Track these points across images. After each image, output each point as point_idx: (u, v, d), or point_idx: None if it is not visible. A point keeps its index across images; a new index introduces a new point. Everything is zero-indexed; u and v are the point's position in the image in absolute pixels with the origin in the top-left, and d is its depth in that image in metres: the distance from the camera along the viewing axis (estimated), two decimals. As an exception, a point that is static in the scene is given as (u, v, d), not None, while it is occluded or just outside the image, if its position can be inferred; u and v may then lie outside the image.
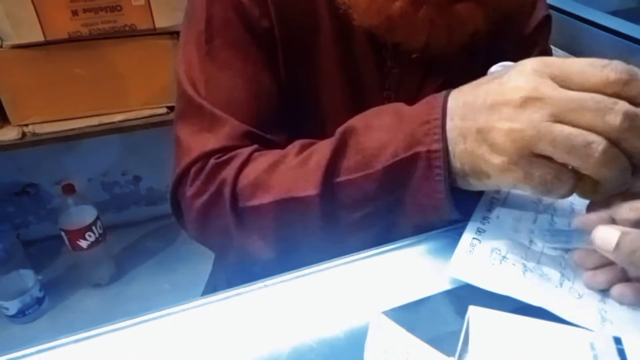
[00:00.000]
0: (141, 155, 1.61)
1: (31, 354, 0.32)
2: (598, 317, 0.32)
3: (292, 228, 0.44)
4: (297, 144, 0.47)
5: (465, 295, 0.34)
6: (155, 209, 1.71)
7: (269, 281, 0.37)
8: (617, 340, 0.25)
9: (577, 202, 0.42)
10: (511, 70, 0.35)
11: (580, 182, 0.33)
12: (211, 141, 0.49)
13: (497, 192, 0.43)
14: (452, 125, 0.37)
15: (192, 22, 0.53)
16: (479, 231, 0.38)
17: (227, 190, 0.46)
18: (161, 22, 1.17)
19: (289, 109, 0.54)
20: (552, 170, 0.32)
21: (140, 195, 1.70)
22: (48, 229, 1.60)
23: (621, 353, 0.25)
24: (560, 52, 0.92)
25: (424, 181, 0.38)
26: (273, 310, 0.35)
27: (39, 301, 1.40)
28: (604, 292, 0.34)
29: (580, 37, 0.91)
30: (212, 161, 0.48)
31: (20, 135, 1.20)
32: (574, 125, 0.31)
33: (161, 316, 0.35)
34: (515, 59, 0.60)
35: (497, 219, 0.40)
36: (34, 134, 1.21)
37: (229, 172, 0.46)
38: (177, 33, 1.20)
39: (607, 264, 0.34)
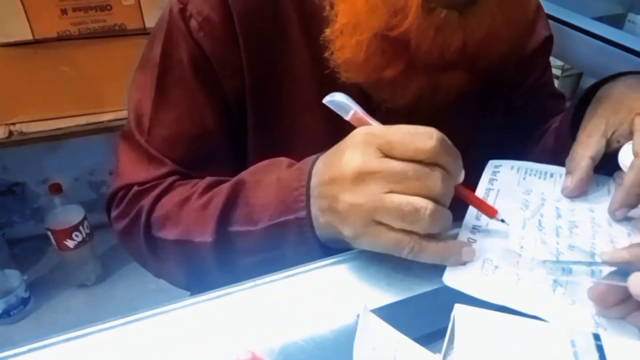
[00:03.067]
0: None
1: (16, 354, 0.32)
2: (592, 322, 0.33)
3: (193, 265, 0.48)
4: (205, 182, 0.49)
5: (452, 293, 0.35)
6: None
7: (259, 280, 0.38)
8: (596, 337, 0.26)
9: (563, 207, 0.43)
10: (346, 142, 0.39)
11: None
12: (142, 175, 0.52)
13: (485, 199, 0.43)
14: (312, 199, 0.40)
15: (151, 48, 0.53)
16: (470, 241, 0.39)
17: (143, 217, 0.49)
18: (151, 22, 1.16)
19: (260, 149, 0.55)
20: (393, 237, 0.36)
21: (128, 195, 1.69)
22: (33, 229, 1.59)
23: (600, 349, 0.25)
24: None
25: (299, 243, 0.42)
26: (263, 309, 0.35)
27: (24, 301, 1.38)
28: None
29: (567, 42, 0.93)
30: (135, 188, 0.51)
31: (6, 134, 1.20)
32: (404, 194, 0.35)
33: (149, 316, 0.35)
34: (515, 81, 0.61)
35: (487, 226, 0.40)
36: (20, 133, 1.21)
37: (147, 201, 0.50)
38: (167, 33, 1.20)
39: (627, 298, 0.33)
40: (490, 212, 0.40)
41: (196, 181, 0.50)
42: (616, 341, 0.26)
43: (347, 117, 0.41)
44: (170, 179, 0.51)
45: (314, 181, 0.40)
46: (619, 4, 1.12)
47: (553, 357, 0.26)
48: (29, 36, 1.11)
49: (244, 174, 0.47)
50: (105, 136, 1.38)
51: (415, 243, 0.36)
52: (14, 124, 1.21)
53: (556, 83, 1.15)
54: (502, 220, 0.39)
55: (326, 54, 0.48)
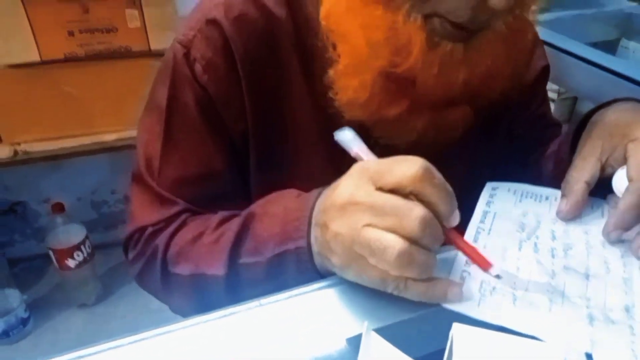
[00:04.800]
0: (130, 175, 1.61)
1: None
2: (587, 342, 0.33)
3: (204, 296, 0.49)
4: (217, 217, 0.50)
5: (451, 313, 0.35)
6: (143, 228, 1.71)
7: (263, 300, 0.38)
8: (589, 356, 0.27)
9: (558, 229, 0.44)
10: (345, 175, 0.38)
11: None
12: (154, 216, 0.53)
13: (482, 221, 0.45)
14: (312, 227, 0.41)
15: (157, 93, 0.54)
16: (468, 263, 0.40)
17: (159, 256, 0.51)
18: (156, 44, 1.19)
19: (264, 186, 0.54)
20: (378, 272, 0.35)
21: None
22: (34, 248, 1.59)
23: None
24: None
25: (300, 273, 0.42)
26: (266, 329, 0.36)
27: (24, 322, 1.38)
28: (592, 317, 0.35)
29: (563, 67, 0.95)
30: (149, 229, 0.53)
31: (12, 154, 1.21)
32: (380, 228, 0.34)
33: (150, 337, 0.35)
34: (515, 112, 0.62)
35: (484, 249, 0.41)
36: (25, 152, 1.22)
37: (161, 240, 0.51)
38: (171, 55, 1.22)
39: None
40: (484, 265, 0.38)
41: (208, 216, 0.51)
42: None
43: (352, 154, 0.41)
44: (182, 217, 0.52)
45: (315, 211, 0.41)
46: (613, 30, 1.15)
47: (549, 376, 0.26)
48: (36, 57, 1.14)
49: (254, 206, 0.48)
50: (107, 155, 1.40)
51: (400, 281, 0.35)
52: (19, 143, 1.22)
53: (553, 106, 1.17)
54: (497, 276, 0.38)
55: (329, 94, 0.49)
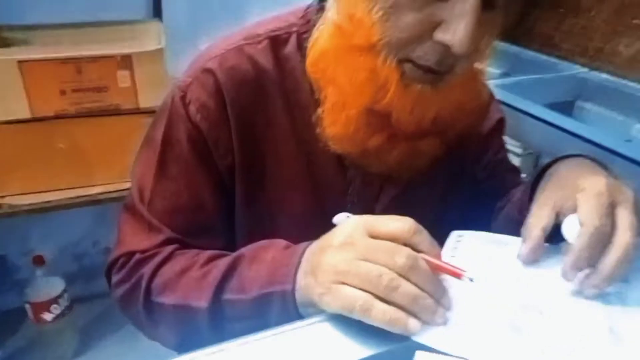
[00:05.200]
0: (113, 227, 1.62)
1: None
2: None
3: (187, 327, 0.52)
4: (207, 255, 0.55)
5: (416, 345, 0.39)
6: (124, 280, 1.71)
7: (250, 338, 0.42)
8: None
9: (517, 271, 0.49)
10: (341, 224, 0.46)
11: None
12: (142, 243, 0.57)
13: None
14: (301, 269, 0.46)
15: (154, 129, 0.60)
16: None
17: (144, 284, 0.54)
18: (145, 102, 1.25)
19: (246, 217, 0.61)
20: (350, 293, 0.41)
21: (109, 266, 1.70)
22: (12, 301, 1.56)
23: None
24: (508, 139, 1.03)
25: (282, 312, 0.47)
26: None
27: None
28: (543, 351, 0.40)
29: (523, 126, 1.04)
30: (137, 256, 0.56)
31: (-4, 206, 1.23)
32: (373, 263, 0.41)
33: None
34: (474, 158, 0.69)
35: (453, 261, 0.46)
36: (10, 205, 1.24)
37: (148, 269, 0.55)
38: (159, 112, 1.28)
39: None
40: (457, 274, 0.43)
41: (196, 251, 0.55)
42: None
43: None
44: (169, 248, 0.56)
45: (305, 257, 0.46)
46: (569, 92, 1.25)
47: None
48: (27, 114, 1.18)
49: (245, 250, 0.52)
50: (91, 209, 1.42)
51: (367, 302, 0.40)
52: (3, 196, 1.24)
53: (517, 161, 1.25)
54: (471, 280, 0.43)
55: (317, 131, 0.56)
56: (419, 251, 0.43)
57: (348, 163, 0.61)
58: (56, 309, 1.38)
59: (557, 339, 0.41)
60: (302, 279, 0.46)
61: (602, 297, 0.46)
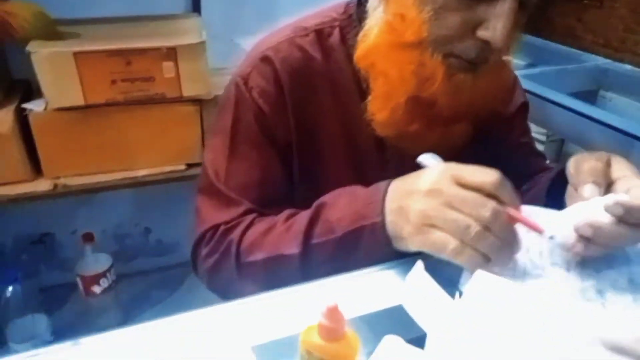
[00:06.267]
0: (153, 209, 1.73)
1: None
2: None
3: (279, 277, 0.57)
4: (285, 213, 0.62)
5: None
6: (161, 259, 1.81)
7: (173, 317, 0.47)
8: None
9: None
10: (428, 169, 0.51)
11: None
12: (224, 215, 0.64)
13: None
14: (387, 206, 0.52)
15: (221, 119, 0.68)
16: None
17: (233, 249, 0.61)
18: (188, 91, 1.33)
19: (301, 192, 0.68)
20: (441, 237, 0.47)
21: (149, 246, 1.81)
22: (59, 277, 1.68)
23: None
24: (531, 125, 1.09)
25: (373, 244, 0.53)
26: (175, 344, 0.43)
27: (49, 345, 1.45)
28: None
29: (549, 114, 1.09)
30: (222, 227, 0.63)
31: (52, 187, 1.33)
32: (460, 212, 0.46)
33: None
34: (499, 139, 0.76)
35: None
36: (65, 185, 1.34)
37: (235, 234, 0.62)
38: (200, 101, 1.36)
39: None
40: (539, 229, 0.48)
41: (274, 216, 0.63)
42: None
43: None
44: (250, 217, 0.63)
45: (389, 196, 0.52)
46: (591, 82, 1.30)
47: None
48: (81, 102, 1.27)
49: (324, 198, 0.59)
50: (134, 190, 1.52)
51: (457, 247, 0.46)
52: (58, 177, 1.34)
53: (542, 147, 1.31)
54: (551, 237, 0.47)
55: (364, 117, 0.63)
56: (501, 202, 0.46)
57: (387, 145, 0.68)
58: (104, 283, 1.49)
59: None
60: (390, 214, 0.51)
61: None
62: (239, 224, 0.63)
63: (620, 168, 0.53)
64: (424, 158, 0.54)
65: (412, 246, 0.50)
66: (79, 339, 0.44)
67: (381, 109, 0.62)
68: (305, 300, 0.49)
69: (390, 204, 0.52)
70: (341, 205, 0.57)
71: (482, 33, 0.54)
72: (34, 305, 1.48)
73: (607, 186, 0.52)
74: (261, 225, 0.62)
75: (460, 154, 0.65)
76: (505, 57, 0.65)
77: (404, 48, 0.58)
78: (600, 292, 0.48)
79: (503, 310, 0.41)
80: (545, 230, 0.47)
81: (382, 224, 0.52)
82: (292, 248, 0.57)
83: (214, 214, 0.65)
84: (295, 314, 0.47)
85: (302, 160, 0.67)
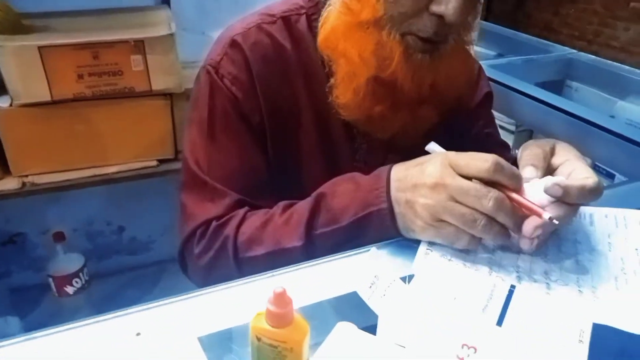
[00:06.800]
0: (126, 206, 1.71)
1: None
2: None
3: (280, 267, 0.57)
4: (281, 205, 0.61)
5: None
6: (136, 258, 1.79)
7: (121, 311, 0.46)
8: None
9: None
10: (429, 160, 0.52)
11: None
12: (212, 210, 0.62)
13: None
14: (392, 193, 0.53)
15: (196, 109, 0.66)
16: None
17: (230, 245, 0.60)
18: (157, 85, 1.31)
19: (276, 180, 0.67)
20: (452, 232, 0.49)
21: (122, 245, 1.78)
22: (31, 278, 1.65)
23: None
24: (497, 114, 1.10)
25: (382, 228, 0.54)
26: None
27: (21, 347, 1.43)
28: (520, 278, 0.48)
29: (516, 104, 1.10)
30: (214, 223, 0.62)
31: (20, 185, 1.30)
32: (465, 205, 0.48)
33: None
34: (463, 129, 0.76)
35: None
36: (33, 184, 1.31)
37: (229, 230, 0.60)
38: (171, 94, 1.35)
39: None
40: (538, 213, 0.48)
41: (267, 210, 0.61)
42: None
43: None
44: (242, 211, 0.61)
45: (394, 185, 0.53)
46: (558, 72, 1.32)
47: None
48: (47, 97, 1.24)
49: (322, 188, 0.58)
50: (105, 188, 1.49)
51: (468, 240, 0.49)
52: (26, 176, 1.32)
53: (512, 137, 1.32)
54: (550, 219, 0.47)
55: (329, 100, 0.62)
56: (502, 186, 0.48)
57: (356, 132, 0.68)
58: (77, 283, 1.46)
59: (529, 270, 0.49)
60: (398, 206, 0.52)
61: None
62: (231, 219, 0.61)
63: (563, 154, 0.54)
64: (431, 147, 0.55)
65: (424, 238, 0.52)
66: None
67: (344, 92, 0.62)
68: (256, 292, 0.49)
69: (397, 194, 0.53)
70: (343, 193, 0.57)
71: (435, 8, 0.55)
72: (6, 307, 1.45)
73: (552, 171, 0.54)
74: (256, 219, 0.60)
75: (427, 140, 0.67)
76: (467, 45, 0.65)
77: (362, 28, 0.58)
78: (546, 274, 0.49)
79: (449, 291, 0.41)
80: (544, 214, 0.48)
81: (390, 210, 0.53)
82: (294, 241, 0.57)
83: (201, 209, 0.63)
84: (247, 305, 0.46)
85: (277, 151, 0.67)
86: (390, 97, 0.61)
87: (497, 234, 0.48)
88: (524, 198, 0.49)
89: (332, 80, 0.63)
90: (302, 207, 0.58)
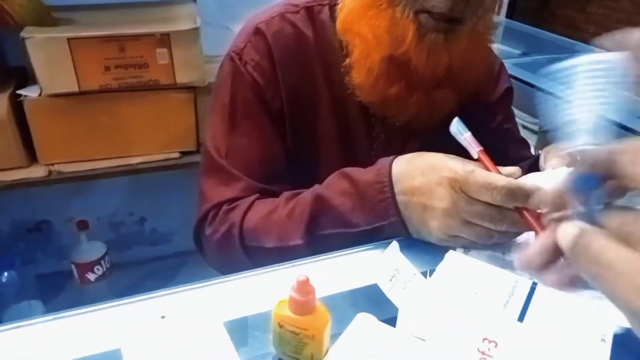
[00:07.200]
0: (148, 198, 1.74)
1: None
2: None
3: (288, 259, 0.58)
4: (285, 195, 0.62)
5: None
6: (156, 249, 1.82)
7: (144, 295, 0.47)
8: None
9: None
10: (435, 181, 0.52)
11: None
12: (226, 192, 0.64)
13: None
14: (404, 212, 0.54)
15: (218, 96, 0.68)
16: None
17: (235, 231, 0.61)
18: (181, 78, 1.33)
19: (294, 166, 0.69)
20: (468, 243, 0.52)
21: (144, 235, 1.81)
22: (56, 264, 1.69)
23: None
24: (521, 114, 1.09)
25: (395, 234, 0.55)
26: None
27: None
28: None
29: (537, 101, 1.09)
30: (224, 207, 0.64)
31: (46, 173, 1.33)
32: (480, 226, 0.50)
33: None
34: (482, 123, 0.76)
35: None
36: (59, 172, 1.34)
37: (236, 216, 0.62)
38: (194, 88, 1.36)
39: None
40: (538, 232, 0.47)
41: (274, 198, 0.63)
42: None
43: (462, 141, 0.55)
44: (251, 197, 0.63)
45: (401, 199, 0.53)
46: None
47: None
48: (75, 88, 1.27)
49: (321, 189, 0.59)
50: (129, 178, 1.52)
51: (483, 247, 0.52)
52: (53, 164, 1.35)
53: (534, 137, 1.31)
54: None
55: (345, 81, 0.63)
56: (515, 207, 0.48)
57: (374, 120, 0.69)
58: (99, 270, 1.50)
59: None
60: (410, 223, 0.54)
61: None
62: (239, 205, 0.63)
63: None
64: (456, 124, 0.55)
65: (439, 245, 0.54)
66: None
67: (359, 71, 0.62)
68: (278, 281, 0.50)
69: (407, 211, 0.54)
70: (344, 193, 0.57)
71: None
72: (30, 292, 1.49)
73: None
74: (262, 208, 0.62)
75: (445, 133, 0.66)
76: (487, 31, 0.65)
77: (376, 5, 0.59)
78: None
79: (470, 286, 0.42)
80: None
81: (401, 220, 0.55)
82: (296, 239, 0.58)
83: (216, 192, 0.65)
84: (269, 293, 0.47)
85: (295, 138, 0.68)
86: (404, 77, 0.61)
87: (510, 239, 0.51)
88: (537, 223, 0.47)
89: (347, 61, 0.63)
90: (303, 203, 0.58)
